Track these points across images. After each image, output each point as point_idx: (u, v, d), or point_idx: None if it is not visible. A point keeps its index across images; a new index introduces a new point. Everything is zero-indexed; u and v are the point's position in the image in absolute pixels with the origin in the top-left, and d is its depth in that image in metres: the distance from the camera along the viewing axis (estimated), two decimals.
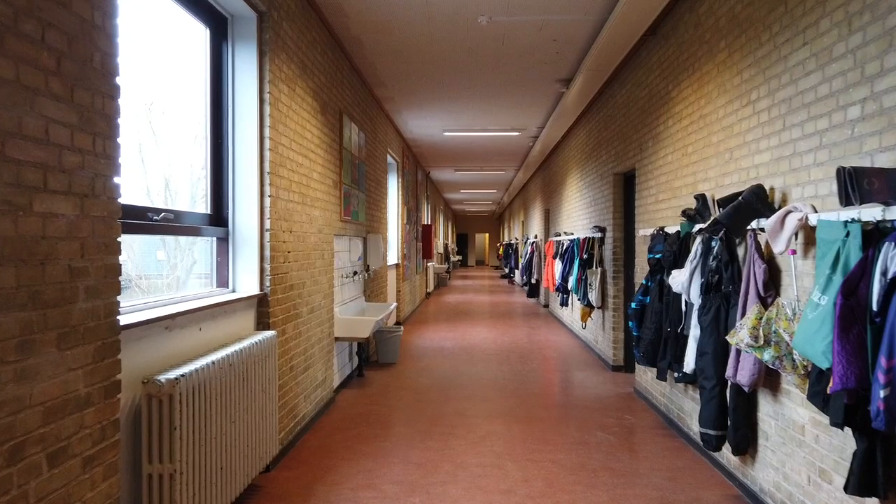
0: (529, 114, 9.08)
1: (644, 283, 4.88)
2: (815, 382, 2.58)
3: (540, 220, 14.62)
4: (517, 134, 10.57)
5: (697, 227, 4.09)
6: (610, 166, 7.17)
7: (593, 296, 7.46)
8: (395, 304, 7.45)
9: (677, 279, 4.03)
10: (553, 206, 12.30)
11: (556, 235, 11.33)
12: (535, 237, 15.37)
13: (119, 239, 2.29)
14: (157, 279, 3.93)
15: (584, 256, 7.84)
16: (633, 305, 4.93)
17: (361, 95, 7.13)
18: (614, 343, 7.05)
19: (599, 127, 7.75)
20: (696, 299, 3.89)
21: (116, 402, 2.27)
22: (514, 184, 18.81)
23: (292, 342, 4.41)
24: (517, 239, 22.15)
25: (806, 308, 2.56)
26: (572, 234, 9.67)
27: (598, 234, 7.55)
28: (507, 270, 25.13)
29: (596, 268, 7.58)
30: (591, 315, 7.98)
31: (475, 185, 20.48)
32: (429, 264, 16.85)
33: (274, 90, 4.03)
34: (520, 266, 18.47)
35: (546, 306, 13.85)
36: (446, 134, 10.60)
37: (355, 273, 6.56)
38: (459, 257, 35.53)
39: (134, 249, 3.88)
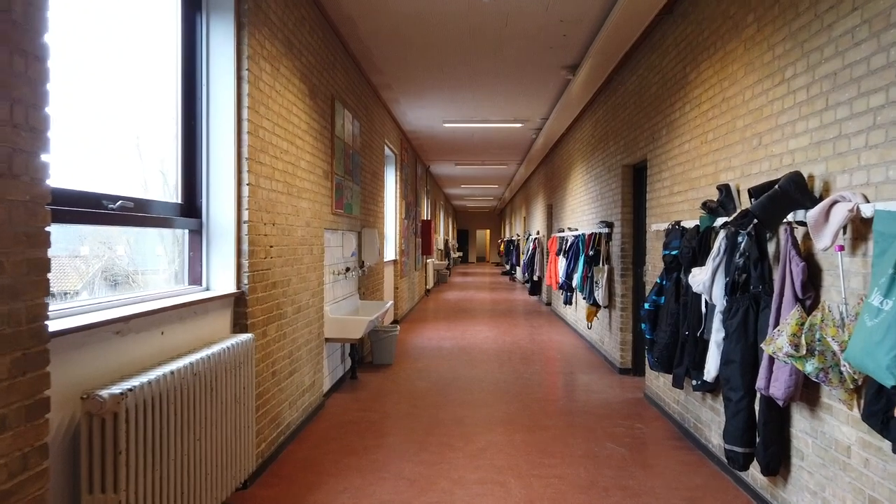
0: (533, 104, 8.69)
1: (658, 282, 4.50)
2: (874, 401, 2.20)
3: (542, 216, 14.24)
4: (520, 125, 10.18)
5: (720, 220, 3.71)
6: (618, 158, 6.79)
7: (600, 294, 7.09)
8: (390, 302, 7.08)
9: (698, 278, 3.65)
10: (556, 201, 11.92)
11: (560, 231, 10.95)
12: (538, 233, 14.99)
13: (48, 229, 1.91)
14: (154, 274, 3.57)
15: (590, 253, 7.46)
16: (646, 306, 4.55)
17: (356, 81, 6.75)
18: (622, 344, 6.67)
19: (607, 117, 7.36)
20: (719, 300, 3.52)
21: (44, 424, 1.89)
22: (515, 179, 18.42)
23: (275, 345, 4.04)
24: (518, 235, 21.78)
25: (862, 314, 2.18)
26: (577, 229, 9.29)
27: (605, 230, 7.16)
28: (508, 267, 24.75)
29: (603, 265, 7.20)
30: (598, 314, 7.60)
31: (476, 181, 20.10)
32: (428, 261, 16.49)
33: (254, 67, 3.65)
34: (521, 263, 18.10)
35: (548, 304, 13.48)
36: (446, 125, 10.22)
37: (348, 269, 6.19)
38: (460, 254, 35.14)
39: (129, 242, 3.50)
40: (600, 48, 5.82)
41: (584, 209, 8.93)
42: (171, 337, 2.85)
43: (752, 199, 3.08)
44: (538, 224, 15.36)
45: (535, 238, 14.56)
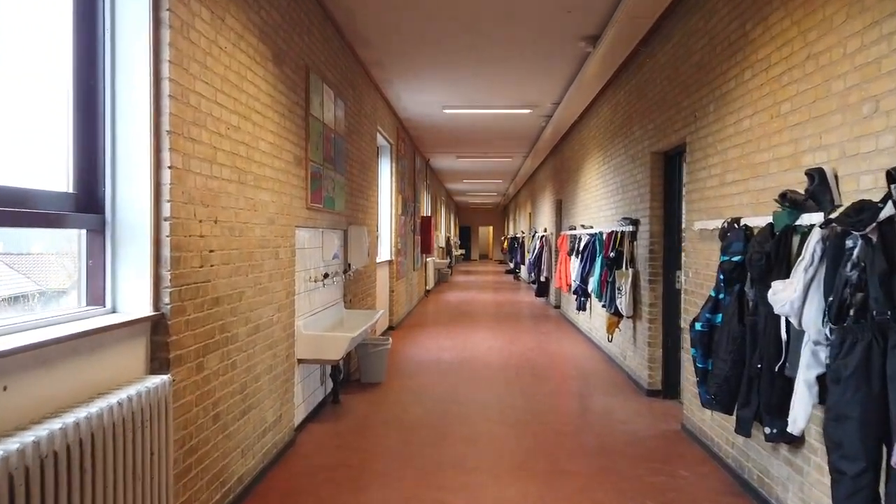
0: (544, 85, 7.72)
1: (713, 296, 3.55)
2: None
3: (550, 212, 13.28)
4: (528, 112, 9.22)
5: (808, 217, 2.77)
6: (645, 144, 5.83)
7: (623, 303, 6.13)
8: (381, 311, 6.14)
9: (782, 295, 2.70)
10: (566, 196, 10.95)
11: (571, 229, 10.00)
12: (545, 231, 14.03)
13: None
14: (56, 296, 2.64)
15: (611, 255, 6.50)
16: (696, 327, 3.60)
17: (338, 53, 5.79)
18: (650, 362, 5.72)
19: (631, 98, 6.39)
20: (812, 327, 2.57)
21: None
22: (521, 173, 17.46)
23: (218, 380, 3.10)
24: (524, 233, 20.83)
25: None
26: (591, 227, 8.34)
27: (629, 228, 6.21)
28: (512, 266, 23.81)
29: (626, 269, 6.24)
30: (619, 325, 6.64)
31: (479, 175, 19.13)
32: (428, 259, 15.55)
33: (181, 9, 2.70)
34: (527, 262, 17.16)
35: (557, 307, 12.53)
36: (446, 111, 9.25)
37: (326, 276, 5.24)
38: (462, 251, 34.19)
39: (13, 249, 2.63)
40: (629, 11, 4.86)
41: (600, 204, 7.97)
42: (27, 392, 1.91)
43: (894, 186, 2.12)
44: (545, 221, 14.40)
45: (543, 236, 13.60)
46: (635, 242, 6.19)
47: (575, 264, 8.87)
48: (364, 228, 6.37)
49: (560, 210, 12.31)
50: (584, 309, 8.57)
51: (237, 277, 3.32)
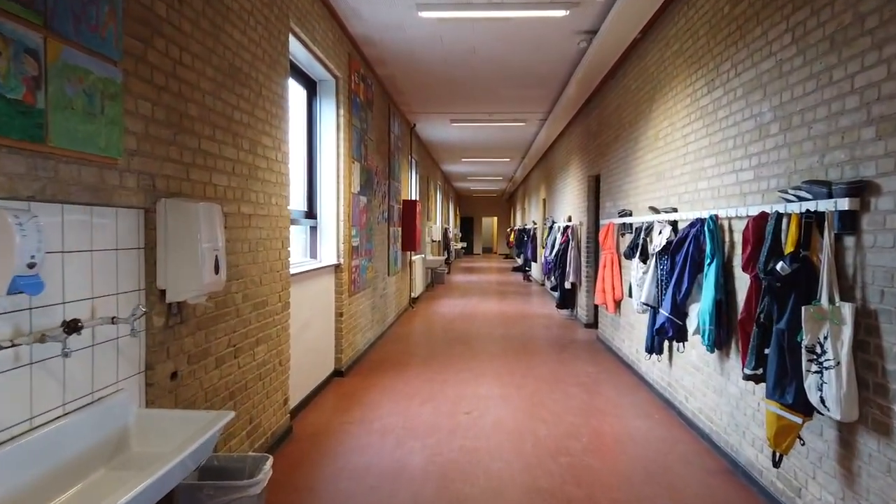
0: None
1: None
2: None
3: (580, 194, 9.65)
4: (561, 14, 5.59)
5: None
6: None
7: (831, 388, 2.50)
8: (227, 417, 2.49)
9: None
10: (611, 166, 7.30)
11: (624, 215, 6.38)
12: (569, 220, 10.41)
13: None
14: None
15: (780, 269, 2.85)
16: None
17: None
18: None
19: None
20: None
21: None
22: (534, 146, 13.77)
23: None
24: (535, 223, 17.19)
25: None
26: (674, 210, 4.77)
27: (834, 205, 2.59)
28: (520, 262, 20.16)
29: (832, 302, 2.61)
30: (802, 433, 2.96)
31: (481, 150, 15.45)
32: (415, 258, 11.89)
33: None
34: (542, 259, 13.53)
35: (590, 326, 8.91)
36: (422, 15, 5.63)
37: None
38: (464, 245, 30.50)
39: None
40: None
41: (706, 165, 4.32)
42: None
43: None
44: (568, 207, 10.78)
45: (567, 227, 9.97)
46: (859, 238, 2.57)
47: (637, 274, 5.26)
48: (216, 208, 2.75)
49: (597, 190, 8.68)
50: (661, 352, 4.97)
51: None
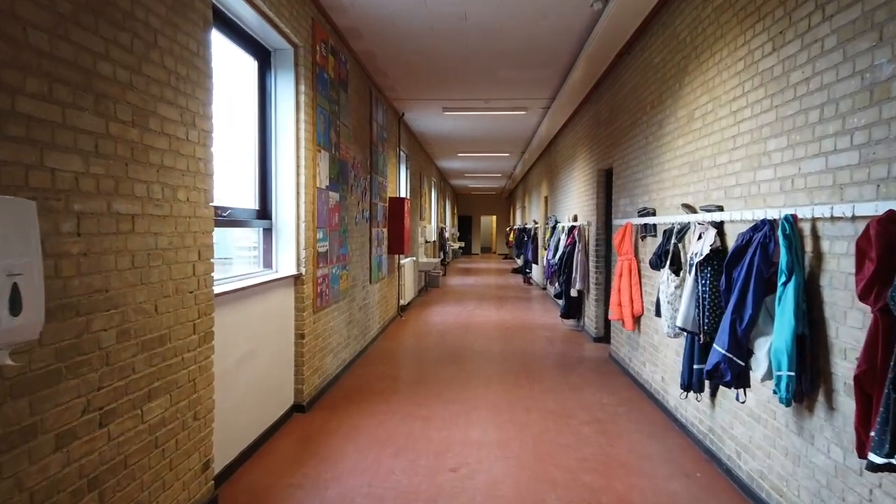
0: None
1: None
2: None
3: (587, 191, 8.57)
4: None
5: None
6: None
7: None
8: None
9: None
10: (624, 159, 6.22)
11: (646, 214, 5.32)
12: (574, 220, 9.34)
13: None
14: None
15: None
16: None
17: None
18: None
19: None
20: None
21: None
22: (536, 139, 12.68)
23: None
24: (536, 222, 16.12)
25: None
26: (717, 209, 3.71)
27: None
28: (520, 263, 19.09)
29: None
30: None
31: (478, 144, 14.37)
32: (404, 262, 10.80)
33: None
34: (543, 262, 12.46)
35: (600, 340, 7.85)
36: None
37: None
38: (461, 244, 29.40)
39: None
40: None
41: (793, 148, 3.24)
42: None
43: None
44: (574, 205, 9.71)
45: (573, 227, 8.91)
46: None
47: (667, 288, 4.21)
48: (19, 207, 1.68)
49: (608, 186, 7.61)
50: (702, 389, 3.90)
51: None
